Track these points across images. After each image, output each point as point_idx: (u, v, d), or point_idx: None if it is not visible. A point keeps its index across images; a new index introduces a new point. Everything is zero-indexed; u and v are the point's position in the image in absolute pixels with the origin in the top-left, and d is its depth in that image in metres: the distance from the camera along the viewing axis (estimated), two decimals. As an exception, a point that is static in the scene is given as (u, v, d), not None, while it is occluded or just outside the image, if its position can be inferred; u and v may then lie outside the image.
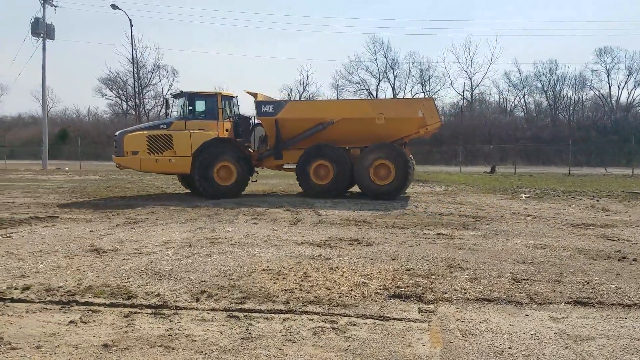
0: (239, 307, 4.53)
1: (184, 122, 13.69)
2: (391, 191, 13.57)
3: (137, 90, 40.53)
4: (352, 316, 4.29)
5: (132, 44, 32.87)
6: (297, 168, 13.90)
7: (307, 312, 4.38)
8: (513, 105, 57.40)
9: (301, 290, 5.05)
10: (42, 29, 33.30)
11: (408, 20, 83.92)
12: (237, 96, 14.94)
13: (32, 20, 33.26)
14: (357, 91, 52.46)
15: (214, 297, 4.82)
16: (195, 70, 78.46)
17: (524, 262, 6.39)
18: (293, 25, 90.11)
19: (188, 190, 15.63)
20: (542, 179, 24.09)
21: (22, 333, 3.88)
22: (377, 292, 4.98)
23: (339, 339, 3.83)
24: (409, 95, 55.46)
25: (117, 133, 14.23)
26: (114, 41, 76.01)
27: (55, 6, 34.13)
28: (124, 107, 56.66)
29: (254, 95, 14.58)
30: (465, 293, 5.03)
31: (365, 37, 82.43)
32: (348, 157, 13.92)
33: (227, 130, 14.19)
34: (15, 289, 5.04)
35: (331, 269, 5.93)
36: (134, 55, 36.51)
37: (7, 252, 6.76)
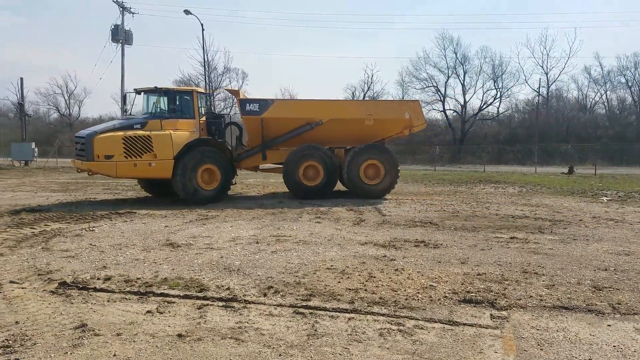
0: (304, 304, 4.57)
1: (160, 121, 12.19)
2: (381, 190, 13.78)
3: (207, 91, 42.35)
4: (419, 319, 4.18)
5: (203, 47, 34.29)
6: (286, 169, 13.32)
7: (372, 313, 4.33)
8: (593, 101, 53.49)
9: (366, 290, 5.00)
10: (121, 36, 35.76)
11: (480, 15, 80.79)
12: (210, 93, 14.15)
13: (112, 27, 35.85)
14: (424, 88, 51.20)
15: (281, 293, 4.91)
16: (263, 72, 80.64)
17: (606, 270, 5.91)
18: (359, 24, 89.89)
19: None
20: (626, 180, 22.21)
21: (104, 320, 4.16)
22: (445, 296, 4.82)
23: (405, 341, 3.75)
24: (480, 92, 53.50)
25: (81, 134, 12.39)
26: (187, 45, 79.72)
27: (133, 13, 36.55)
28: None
29: (236, 92, 14.14)
30: (541, 300, 4.74)
31: (434, 32, 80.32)
32: (336, 157, 13.79)
33: (202, 129, 13.00)
34: (98, 279, 5.43)
35: (396, 270, 5.83)
36: (205, 59, 38.21)
37: (90, 244, 7.31)
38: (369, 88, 55.57)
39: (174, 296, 4.81)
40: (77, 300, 4.68)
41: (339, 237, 7.97)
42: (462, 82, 50.47)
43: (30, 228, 8.57)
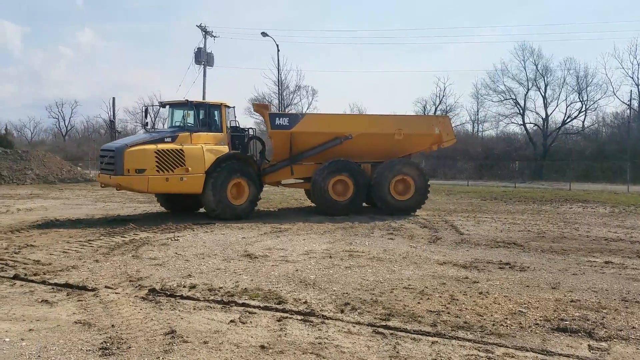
0: (383, 323, 4.47)
1: (190, 134, 11.81)
2: (411, 206, 13.45)
3: (280, 109, 43.63)
4: (509, 347, 3.92)
5: (278, 67, 35.52)
6: (314, 184, 12.94)
7: (457, 338, 4.12)
8: (696, 114, 48.16)
9: (449, 313, 4.79)
10: (203, 58, 37.97)
11: (562, 24, 76.41)
12: (234, 107, 13.42)
13: (196, 50, 38.18)
14: (502, 100, 49.05)
15: (358, 311, 4.84)
16: (332, 89, 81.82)
17: None
18: (430, 37, 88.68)
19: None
20: None
21: (191, 328, 4.32)
22: (536, 323, 4.49)
23: (495, 370, 3.52)
24: (563, 105, 50.28)
25: (109, 147, 11.87)
26: (262, 65, 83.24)
27: (215, 37, 38.74)
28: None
29: (265, 107, 13.82)
30: (648, 334, 4.26)
31: (513, 43, 77.11)
32: (365, 172, 13.41)
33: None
34: (184, 287, 5.68)
35: (481, 293, 5.53)
36: (279, 78, 39.43)
37: (176, 253, 7.71)
38: (440, 101, 54.35)
39: (254, 307, 4.91)
40: (165, 307, 4.92)
41: (415, 255, 7.76)
42: (543, 94, 47.72)
43: (121, 237, 9.22)
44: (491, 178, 36.45)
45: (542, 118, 48.88)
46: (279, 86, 39.68)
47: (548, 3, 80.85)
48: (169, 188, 11.65)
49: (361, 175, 13.13)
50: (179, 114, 12.78)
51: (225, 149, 12.27)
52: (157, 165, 11.20)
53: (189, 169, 11.51)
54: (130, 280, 5.96)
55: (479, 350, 3.86)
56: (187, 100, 12.26)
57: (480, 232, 10.41)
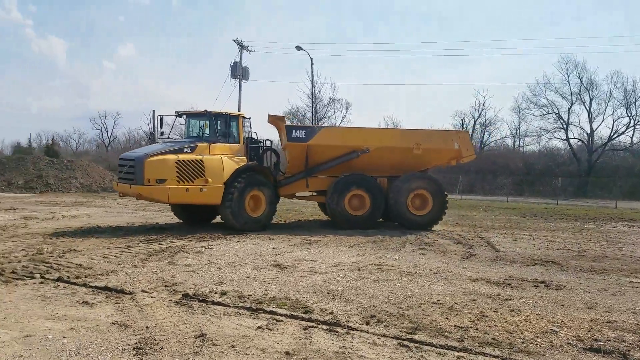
0: (409, 337, 4.46)
1: (208, 145, 11.73)
2: (428, 222, 13.21)
3: (314, 123, 44.11)
4: (537, 365, 3.83)
5: (311, 80, 36.07)
6: (330, 197, 12.77)
7: (484, 354, 4.06)
8: None
9: (477, 329, 4.72)
10: (239, 72, 38.97)
11: (609, 37, 73.87)
12: (250, 118, 13.22)
13: (232, 64, 39.24)
14: (544, 115, 47.62)
15: (384, 323, 4.84)
16: (367, 102, 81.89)
17: None
18: (468, 50, 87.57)
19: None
20: None
21: (220, 332, 4.46)
22: (568, 343, 4.36)
23: (521, 388, 3.45)
24: (609, 120, 48.38)
25: (128, 156, 11.84)
26: (296, 79, 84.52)
27: (250, 51, 39.75)
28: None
29: (281, 119, 13.44)
30: (692, 360, 4.05)
31: (555, 56, 74.88)
32: (381, 186, 13.18)
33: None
34: (215, 293, 5.86)
35: (512, 310, 5.42)
36: (313, 91, 39.97)
37: (209, 261, 7.93)
38: (480, 115, 53.41)
39: (281, 315, 5.01)
40: (197, 311, 5.09)
41: (446, 271, 7.66)
42: (588, 109, 46.05)
43: (159, 244, 9.56)
44: (532, 194, 35.32)
45: (587, 133, 47.09)
46: (312, 99, 40.14)
47: (593, 16, 78.41)
48: (189, 199, 11.47)
49: (378, 190, 13.00)
50: (195, 124, 12.76)
51: (243, 160, 12.26)
52: (177, 176, 11.10)
53: (209, 180, 11.42)
54: (165, 285, 6.19)
55: (505, 366, 3.80)
56: (205, 110, 12.14)
57: (517, 250, 10.14)
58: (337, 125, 53.00)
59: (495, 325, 4.84)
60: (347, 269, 7.58)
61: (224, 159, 11.77)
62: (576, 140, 47.35)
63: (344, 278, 6.89)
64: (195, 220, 13.33)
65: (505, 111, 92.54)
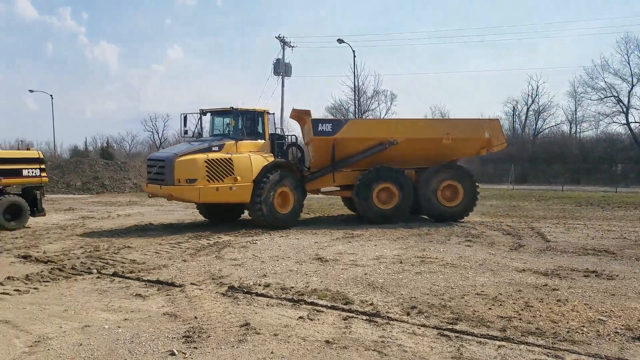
0: (450, 327, 4.44)
1: (235, 143, 11.63)
2: (459, 212, 13.01)
3: (357, 116, 43.95)
4: (581, 354, 3.73)
5: (354, 73, 35.97)
6: (358, 191, 12.51)
7: (526, 343, 3.99)
8: None
9: (520, 319, 4.63)
10: (281, 69, 39.43)
11: (668, 12, 68.69)
12: (274, 113, 12.99)
13: (274, 61, 39.76)
14: (602, 98, 45.05)
15: (425, 314, 4.84)
16: (412, 93, 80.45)
17: None
18: (519, 34, 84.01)
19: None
20: None
21: (263, 322, 4.63)
22: (616, 332, 4.20)
23: (565, 377, 3.38)
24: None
25: (157, 157, 11.97)
26: (339, 72, 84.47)
27: (292, 47, 40.09)
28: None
29: (307, 112, 13.06)
30: None
31: (613, 36, 70.33)
32: (410, 178, 12.89)
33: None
34: (259, 285, 6.05)
35: (559, 300, 5.26)
36: (356, 84, 39.86)
37: (254, 255, 8.18)
38: (533, 101, 51.28)
39: (322, 306, 5.12)
40: (242, 302, 5.30)
41: (493, 262, 7.50)
42: (650, 90, 43.14)
43: (206, 240, 9.94)
44: (590, 182, 33.55)
45: (649, 116, 44.18)
46: (355, 92, 40.00)
47: (653, -10, 73.12)
48: (219, 198, 11.38)
49: (406, 182, 12.76)
50: (219, 121, 12.65)
51: (270, 157, 12.14)
52: (207, 175, 11.04)
53: (238, 178, 11.34)
54: (212, 278, 6.46)
55: (547, 355, 3.72)
56: (231, 107, 11.94)
57: (569, 240, 9.75)
58: (382, 117, 52.60)
59: (540, 315, 4.73)
60: (389, 261, 7.59)
61: (252, 157, 11.67)
62: (637, 124, 44.47)
63: (385, 270, 6.91)
64: (220, 218, 13.24)
65: (560, 96, 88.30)
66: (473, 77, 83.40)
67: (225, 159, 11.29)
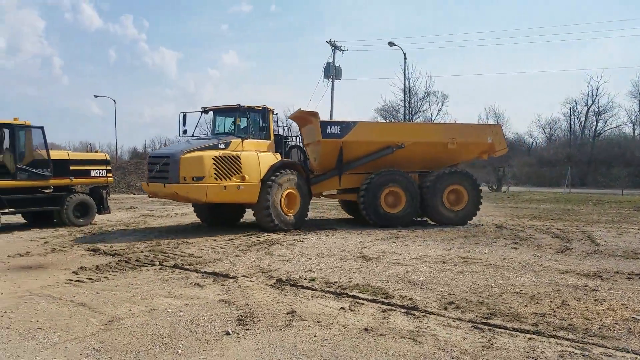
0: (484, 321, 4.67)
1: (241, 141, 11.22)
2: (463, 217, 13.08)
3: (407, 118, 43.71)
4: (609, 347, 3.87)
5: (404, 74, 35.95)
6: (365, 195, 12.37)
7: (556, 337, 4.17)
8: None
9: (554, 316, 4.78)
10: (332, 72, 40.01)
11: None
12: (277, 113, 12.59)
13: (325, 65, 40.40)
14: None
15: (461, 309, 5.08)
16: (466, 94, 78.69)
17: None
18: (575, 34, 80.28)
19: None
20: None
21: (308, 310, 5.05)
22: (650, 331, 4.27)
23: (590, 368, 3.55)
24: None
25: (161, 154, 11.49)
26: (389, 74, 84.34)
27: (343, 50, 40.58)
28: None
29: (314, 114, 12.75)
30: None
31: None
32: (415, 182, 12.91)
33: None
34: (305, 279, 6.49)
35: (596, 300, 5.33)
36: (407, 85, 39.76)
37: (300, 252, 8.65)
38: (593, 101, 48.95)
39: (362, 299, 5.47)
40: (289, 293, 5.76)
41: (536, 264, 7.55)
42: None
43: (257, 237, 10.53)
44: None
45: None
46: (405, 94, 39.87)
47: None
48: (226, 197, 10.92)
49: (413, 186, 12.76)
50: (221, 120, 12.35)
51: (277, 156, 11.86)
52: (215, 173, 10.54)
53: (246, 177, 10.89)
54: (262, 272, 6.97)
55: (575, 348, 3.88)
56: (238, 104, 11.47)
57: (620, 243, 9.53)
58: (432, 119, 51.92)
59: (575, 313, 4.85)
60: (432, 261, 7.81)
61: (260, 155, 11.33)
62: None
63: (427, 269, 7.15)
64: (217, 222, 12.84)
65: (622, 97, 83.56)
66: (530, 77, 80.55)
67: (233, 156, 10.90)
